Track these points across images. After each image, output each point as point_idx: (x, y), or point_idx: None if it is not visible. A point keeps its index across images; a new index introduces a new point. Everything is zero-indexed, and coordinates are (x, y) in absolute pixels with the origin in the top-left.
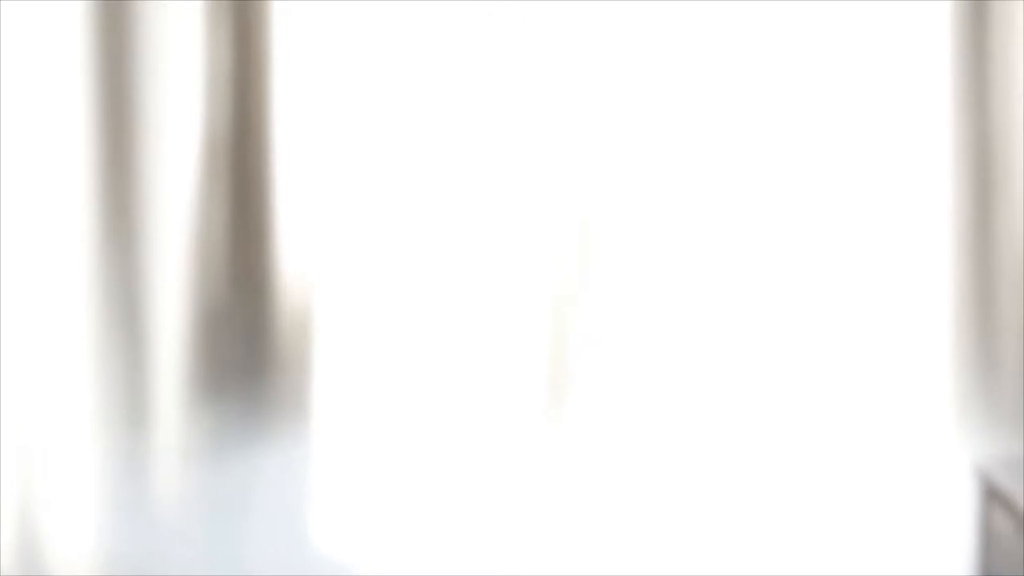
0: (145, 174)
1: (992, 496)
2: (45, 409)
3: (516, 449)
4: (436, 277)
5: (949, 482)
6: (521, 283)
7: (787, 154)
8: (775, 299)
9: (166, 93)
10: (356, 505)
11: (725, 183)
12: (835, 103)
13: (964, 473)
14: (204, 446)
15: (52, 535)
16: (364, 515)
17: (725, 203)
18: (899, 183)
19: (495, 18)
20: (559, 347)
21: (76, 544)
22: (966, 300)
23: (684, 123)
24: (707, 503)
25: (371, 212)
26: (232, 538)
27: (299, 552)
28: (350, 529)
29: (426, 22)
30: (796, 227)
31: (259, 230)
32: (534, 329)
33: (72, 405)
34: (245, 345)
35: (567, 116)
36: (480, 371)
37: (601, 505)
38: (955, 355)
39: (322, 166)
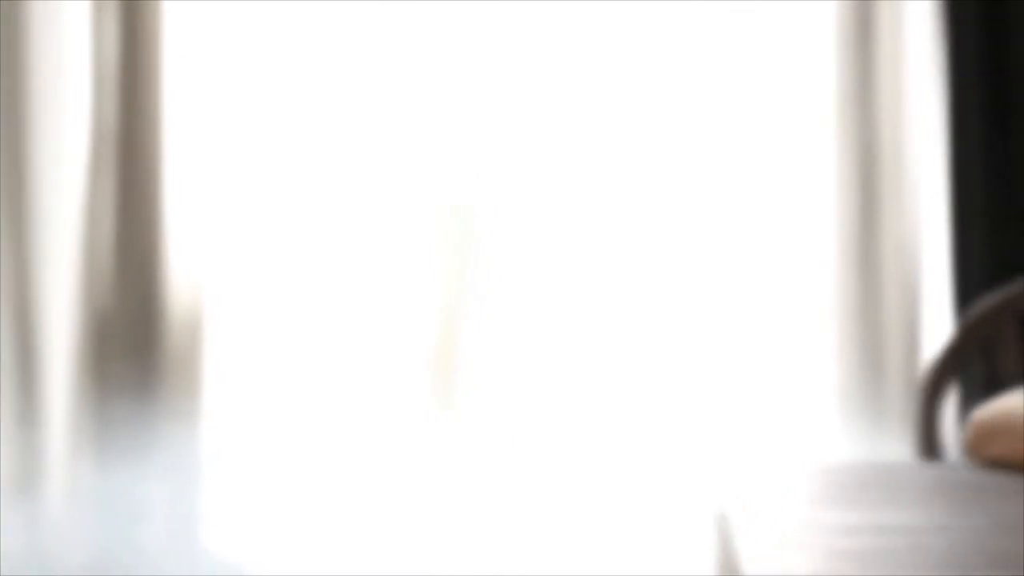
0: (31, 176)
1: None
2: None
3: (404, 444)
4: (325, 277)
5: None
6: (408, 280)
7: (672, 159)
8: (658, 302)
9: (53, 92)
10: (245, 504)
11: (611, 187)
12: (721, 109)
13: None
14: (94, 448)
15: None
16: (253, 514)
17: (611, 206)
18: (787, 189)
19: (376, 17)
20: (446, 343)
21: None
22: (852, 305)
23: (570, 126)
24: (588, 495)
25: (259, 211)
26: (123, 538)
27: (189, 551)
28: (240, 528)
29: (313, 21)
30: (680, 231)
31: (147, 231)
32: (421, 324)
33: None
34: (134, 347)
35: (453, 116)
36: (368, 367)
37: (488, 494)
38: (840, 359)
39: (211, 166)
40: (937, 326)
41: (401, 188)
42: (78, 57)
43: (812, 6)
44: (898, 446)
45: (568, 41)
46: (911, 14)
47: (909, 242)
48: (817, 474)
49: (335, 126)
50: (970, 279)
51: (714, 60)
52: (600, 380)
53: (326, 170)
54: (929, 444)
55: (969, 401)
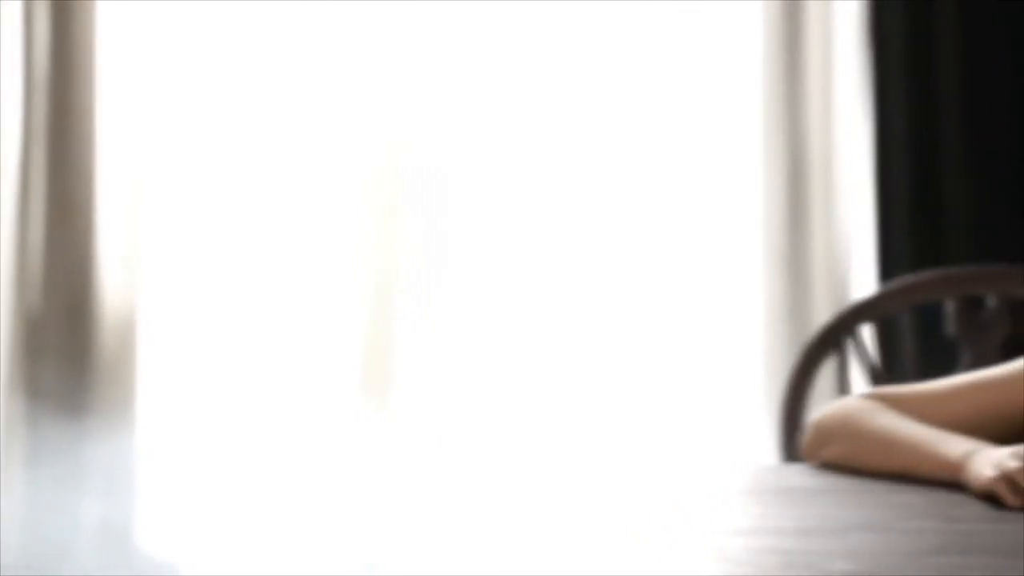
0: None
1: None
2: None
3: (338, 442)
4: (257, 278)
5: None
6: (339, 280)
7: (601, 160)
8: (585, 301)
9: None
10: (180, 506)
11: (540, 187)
12: (650, 109)
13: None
14: (26, 451)
15: None
16: (188, 516)
17: (540, 205)
18: (715, 191)
19: (310, 17)
20: (379, 338)
21: None
22: (780, 306)
23: (497, 124)
24: (521, 491)
25: (191, 213)
26: (54, 542)
27: (122, 554)
28: (173, 530)
29: (248, 20)
30: (607, 232)
31: (79, 234)
32: (353, 323)
33: None
34: (66, 350)
35: (380, 107)
36: (301, 368)
37: (424, 488)
38: (768, 360)
39: (143, 167)
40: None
41: (329, 189)
42: (9, 58)
43: (740, 8)
44: None
45: (494, 38)
46: (839, 17)
47: (837, 243)
48: (726, 475)
49: (265, 129)
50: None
51: (643, 62)
52: (531, 375)
53: (258, 173)
54: (791, 445)
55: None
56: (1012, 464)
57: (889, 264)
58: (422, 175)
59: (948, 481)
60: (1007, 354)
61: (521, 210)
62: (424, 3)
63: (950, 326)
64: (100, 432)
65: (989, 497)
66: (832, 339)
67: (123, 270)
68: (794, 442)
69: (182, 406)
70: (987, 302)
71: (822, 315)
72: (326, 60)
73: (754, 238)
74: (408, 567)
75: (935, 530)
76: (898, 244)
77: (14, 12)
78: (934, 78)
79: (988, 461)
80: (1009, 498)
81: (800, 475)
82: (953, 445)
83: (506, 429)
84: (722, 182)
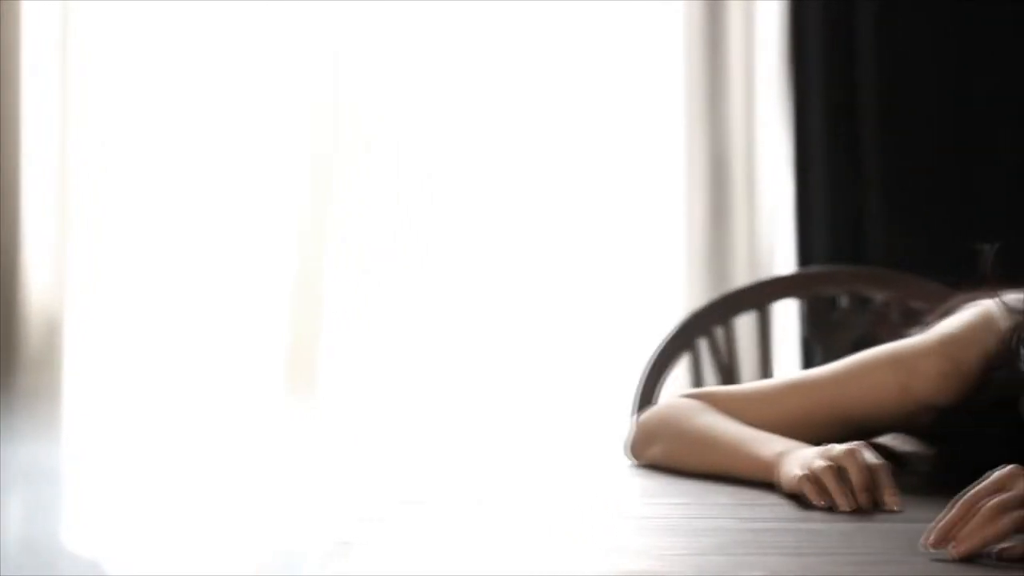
0: None
1: None
2: None
3: (265, 439)
4: (183, 276)
5: None
6: (264, 275)
7: (522, 158)
8: (506, 298)
9: None
10: (105, 505)
11: (464, 180)
12: (572, 109)
13: None
14: None
15: None
16: (113, 515)
17: (465, 196)
18: (638, 190)
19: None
20: (304, 334)
21: None
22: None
23: (427, 116)
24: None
25: (117, 212)
26: None
27: (48, 552)
28: (99, 529)
29: (184, 20)
30: (528, 230)
31: (4, 233)
32: (278, 317)
33: None
34: None
35: (304, 116)
36: (227, 365)
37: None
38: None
39: (68, 166)
40: (786, 322)
41: (252, 184)
42: None
43: (661, 8)
44: None
45: (420, 34)
46: (760, 16)
47: (758, 242)
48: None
49: (195, 129)
50: None
51: (565, 61)
52: (458, 367)
53: (185, 173)
54: None
55: None
56: (819, 464)
57: (809, 263)
58: (345, 164)
59: (764, 481)
60: None
61: (445, 203)
62: None
63: (802, 326)
64: (25, 432)
65: (798, 497)
66: (686, 340)
67: (49, 269)
68: None
69: (108, 405)
70: (839, 302)
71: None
72: (248, 59)
73: (675, 237)
74: (340, 566)
75: (729, 529)
76: (818, 243)
77: None
78: (853, 77)
79: (798, 461)
80: (814, 498)
81: (625, 475)
82: (768, 445)
83: (435, 422)
84: (644, 182)
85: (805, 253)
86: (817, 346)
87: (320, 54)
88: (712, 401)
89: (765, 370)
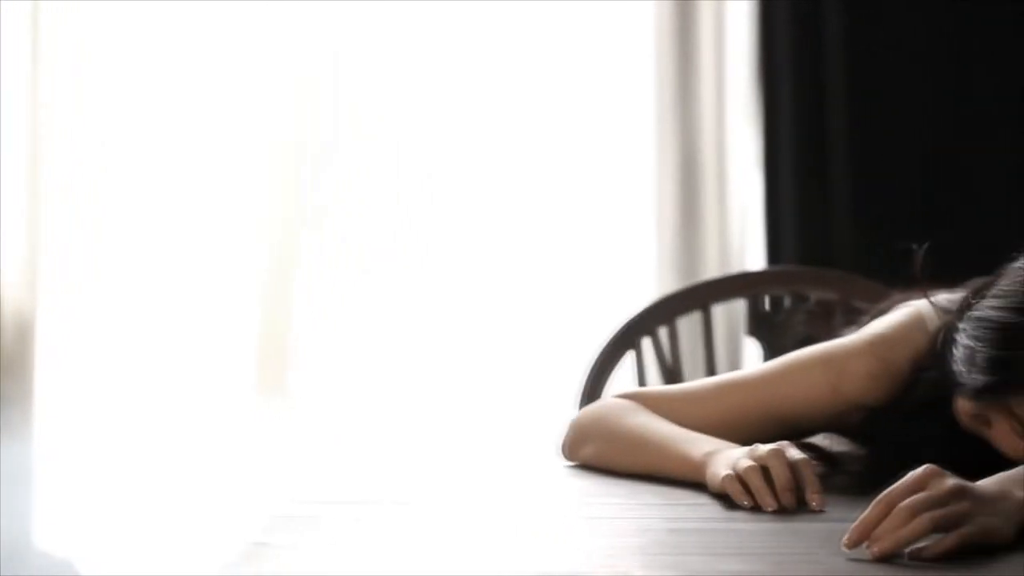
0: None
1: None
2: None
3: (236, 435)
4: (155, 272)
5: None
6: (235, 274)
7: (491, 156)
8: (478, 288)
9: None
10: (78, 504)
11: (432, 178)
12: (543, 106)
13: None
14: None
15: None
16: (86, 514)
17: (431, 194)
18: (608, 187)
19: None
20: (274, 333)
21: None
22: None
23: (394, 115)
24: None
25: (87, 209)
26: None
27: (20, 552)
28: (72, 529)
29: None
30: (498, 228)
31: None
32: (249, 316)
33: None
34: None
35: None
36: (198, 364)
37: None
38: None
39: (37, 165)
40: (732, 322)
41: (222, 183)
42: None
43: (632, 8)
44: None
45: (390, 30)
46: (730, 16)
47: (729, 241)
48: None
49: (158, 125)
50: None
51: (536, 61)
52: (423, 364)
53: (155, 174)
54: None
55: None
56: (744, 464)
57: (778, 262)
58: (314, 166)
59: (694, 481)
60: None
61: (414, 201)
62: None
63: (745, 326)
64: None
65: (725, 497)
66: (628, 340)
67: (20, 271)
68: None
69: (80, 405)
70: (784, 302)
71: (714, 312)
72: (213, 62)
73: (646, 237)
74: (311, 566)
75: (653, 529)
76: (787, 242)
77: None
78: (822, 78)
79: (725, 461)
80: (739, 497)
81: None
82: (697, 445)
83: (400, 417)
84: (615, 182)
85: (774, 252)
86: (760, 346)
87: (290, 53)
88: (644, 401)
89: (710, 370)
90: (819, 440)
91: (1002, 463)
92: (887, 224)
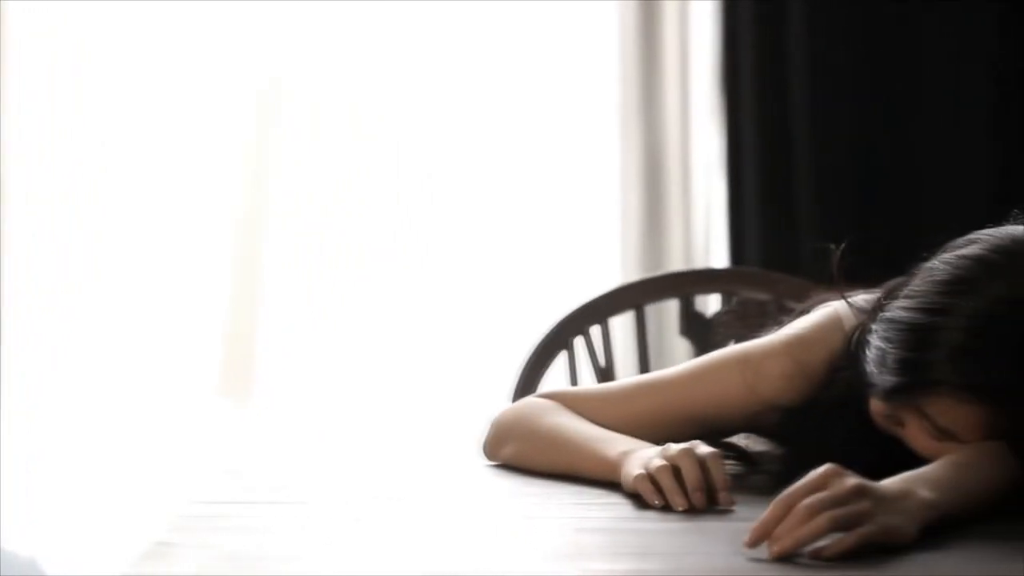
0: None
1: None
2: None
3: (199, 437)
4: (117, 270)
5: None
6: (200, 274)
7: (456, 156)
8: (444, 290)
9: None
10: (42, 502)
11: (400, 180)
12: (508, 106)
13: None
14: None
15: None
16: (50, 512)
17: (399, 196)
18: (573, 187)
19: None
20: (239, 337)
21: None
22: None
23: (360, 119)
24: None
25: (51, 215)
26: None
27: None
28: (36, 526)
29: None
30: (463, 230)
31: None
32: (215, 316)
33: None
34: None
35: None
36: (161, 364)
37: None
38: (623, 357)
39: (1, 172)
40: (667, 322)
41: (188, 187)
42: None
43: (596, 9)
44: None
45: (359, 29)
46: (693, 20)
47: (693, 242)
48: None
49: (126, 128)
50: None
51: (499, 61)
52: (390, 368)
53: (118, 170)
54: None
55: None
56: (656, 463)
57: (741, 263)
58: (282, 166)
59: (610, 481)
60: None
61: (378, 200)
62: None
63: (678, 327)
64: None
65: (638, 496)
66: (560, 340)
67: None
68: None
69: (44, 405)
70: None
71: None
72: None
73: (610, 238)
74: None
75: (562, 530)
76: (750, 242)
77: None
78: (785, 79)
79: (639, 461)
80: (650, 497)
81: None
82: (613, 445)
83: (368, 420)
84: (579, 183)
85: (738, 251)
86: (692, 346)
87: (255, 52)
88: (564, 401)
89: (643, 371)
90: (738, 440)
91: (916, 462)
92: (849, 223)
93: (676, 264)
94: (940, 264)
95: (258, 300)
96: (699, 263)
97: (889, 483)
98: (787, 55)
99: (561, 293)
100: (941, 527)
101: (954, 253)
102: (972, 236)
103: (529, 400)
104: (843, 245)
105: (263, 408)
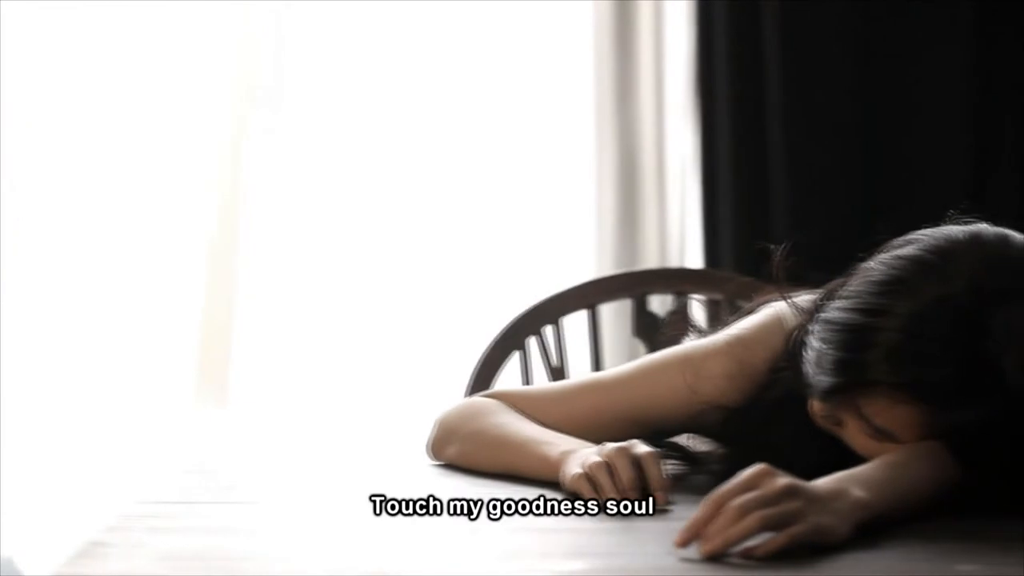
0: None
1: None
2: None
3: (174, 439)
4: (92, 273)
5: None
6: (175, 278)
7: (431, 155)
8: (421, 292)
9: None
10: (18, 502)
11: (377, 181)
12: (483, 106)
13: None
14: None
15: None
16: (27, 512)
17: (376, 197)
18: (549, 187)
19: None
20: (215, 336)
21: None
22: (609, 307)
23: (338, 117)
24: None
25: (24, 214)
26: None
27: None
28: (13, 526)
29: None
30: (440, 229)
31: None
32: (189, 320)
33: None
34: None
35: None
36: (136, 366)
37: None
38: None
39: None
40: (620, 322)
41: (165, 187)
42: None
43: (570, 9)
44: None
45: (327, 32)
46: (668, 20)
47: (668, 243)
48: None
49: (98, 128)
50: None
51: (474, 57)
52: (367, 369)
53: (97, 168)
54: None
55: None
56: (593, 462)
57: (716, 265)
58: (257, 170)
59: (551, 480)
60: None
61: (354, 205)
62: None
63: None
64: None
65: (578, 496)
66: (514, 340)
67: None
68: None
69: (16, 405)
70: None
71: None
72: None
73: (586, 239)
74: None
75: (477, 531)
76: (724, 244)
77: None
78: (760, 80)
79: (578, 460)
80: (587, 495)
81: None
82: (555, 445)
83: (339, 422)
84: (554, 183)
85: (712, 252)
86: (645, 346)
87: (231, 54)
88: (509, 400)
89: (597, 371)
90: (682, 439)
91: (857, 462)
92: (823, 225)
93: (652, 263)
94: (877, 265)
95: (234, 303)
96: (674, 262)
97: (822, 483)
98: (762, 56)
99: (536, 292)
100: (875, 527)
101: (891, 254)
102: (909, 236)
103: (474, 400)
104: (784, 245)
105: (238, 410)
